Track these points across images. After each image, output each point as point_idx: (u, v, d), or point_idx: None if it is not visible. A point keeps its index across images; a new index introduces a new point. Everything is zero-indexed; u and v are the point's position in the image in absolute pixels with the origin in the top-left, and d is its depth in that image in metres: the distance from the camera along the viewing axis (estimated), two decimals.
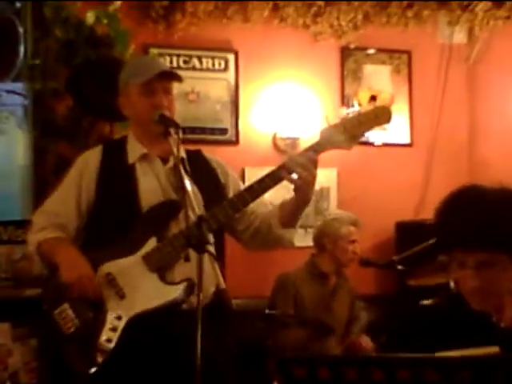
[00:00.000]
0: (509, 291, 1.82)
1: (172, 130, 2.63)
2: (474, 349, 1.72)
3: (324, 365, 1.40)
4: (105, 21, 4.14)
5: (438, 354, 1.77)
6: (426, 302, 2.16)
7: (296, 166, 2.49)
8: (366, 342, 4.03)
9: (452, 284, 3.66)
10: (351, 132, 2.54)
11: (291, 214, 2.64)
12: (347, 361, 1.42)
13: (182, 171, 2.51)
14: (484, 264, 1.79)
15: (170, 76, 2.72)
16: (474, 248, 1.79)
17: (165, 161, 2.69)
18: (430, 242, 3.74)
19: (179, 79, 2.74)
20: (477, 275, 1.79)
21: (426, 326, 2.00)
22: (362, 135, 2.57)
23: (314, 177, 2.51)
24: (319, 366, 1.40)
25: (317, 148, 2.53)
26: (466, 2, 5.23)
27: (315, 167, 2.50)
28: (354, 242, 4.11)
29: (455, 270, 1.87)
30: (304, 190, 2.53)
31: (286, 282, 4.05)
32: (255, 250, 2.87)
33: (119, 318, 2.52)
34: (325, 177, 4.95)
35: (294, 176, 2.52)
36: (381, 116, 2.57)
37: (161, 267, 2.56)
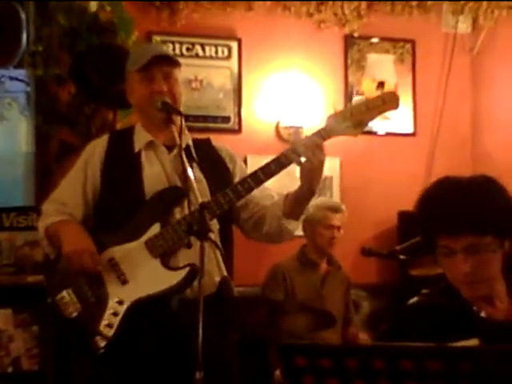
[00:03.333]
0: (499, 274, 1.82)
1: (174, 118, 2.63)
2: (452, 342, 1.65)
3: (325, 353, 1.40)
4: (108, 8, 4.13)
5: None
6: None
7: (304, 148, 2.45)
8: (364, 338, 4.00)
9: None
10: (358, 118, 2.49)
11: (295, 204, 2.61)
12: (349, 350, 1.41)
13: (185, 159, 2.50)
14: (472, 248, 1.77)
15: (164, 60, 2.67)
16: (460, 232, 1.77)
17: (170, 148, 2.67)
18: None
19: (174, 63, 2.70)
20: (467, 259, 1.78)
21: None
22: (369, 121, 2.52)
23: (321, 162, 2.47)
24: (320, 355, 1.40)
25: (323, 134, 2.49)
26: None
27: (321, 153, 2.46)
28: (331, 227, 4.09)
29: (443, 260, 1.86)
30: (311, 176, 2.50)
31: (277, 272, 4.08)
32: (256, 240, 2.85)
33: (121, 302, 2.52)
34: (327, 166, 4.77)
35: (302, 160, 2.48)
36: (388, 102, 2.51)
37: (164, 253, 2.55)
